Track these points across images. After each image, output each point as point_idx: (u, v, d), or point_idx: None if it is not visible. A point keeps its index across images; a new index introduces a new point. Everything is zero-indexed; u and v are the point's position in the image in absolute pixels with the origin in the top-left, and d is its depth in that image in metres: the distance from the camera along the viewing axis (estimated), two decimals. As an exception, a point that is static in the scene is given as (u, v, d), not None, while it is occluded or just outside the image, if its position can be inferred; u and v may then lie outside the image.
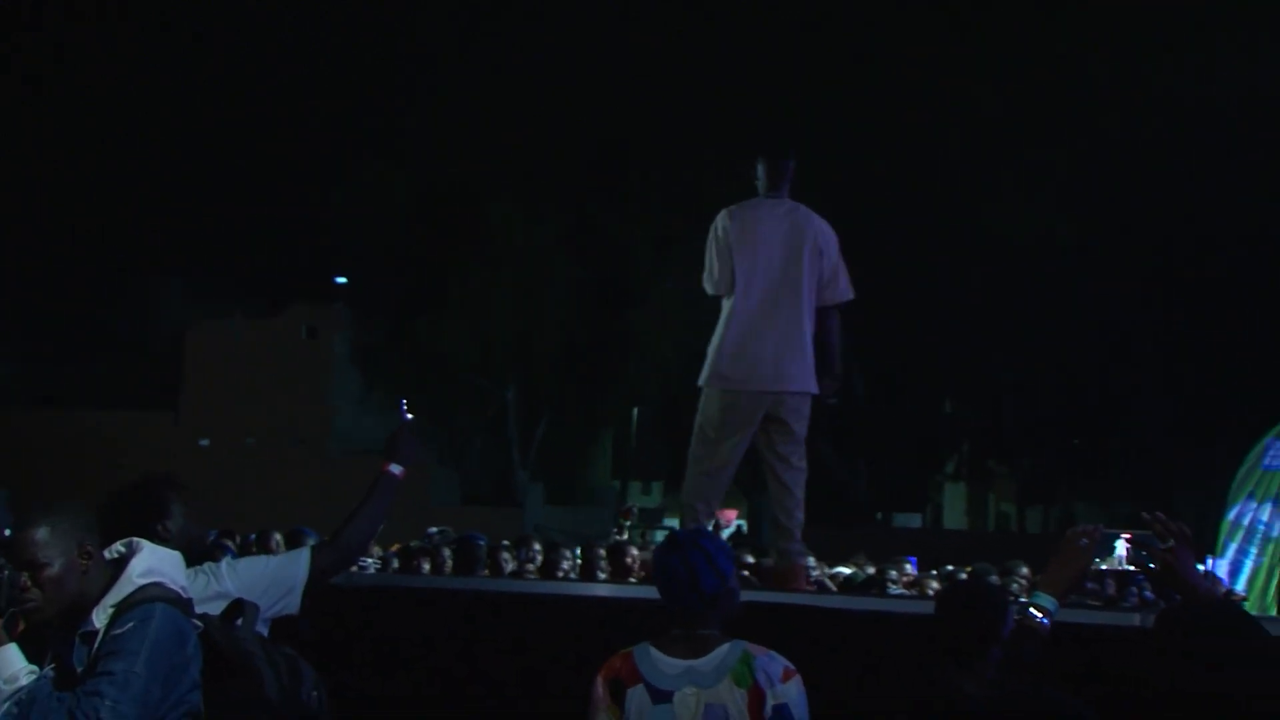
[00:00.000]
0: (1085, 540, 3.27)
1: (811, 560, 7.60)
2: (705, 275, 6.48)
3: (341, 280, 37.29)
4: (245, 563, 3.78)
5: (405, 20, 31.38)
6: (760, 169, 6.37)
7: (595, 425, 37.94)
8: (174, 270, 39.01)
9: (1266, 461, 14.79)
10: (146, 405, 36.08)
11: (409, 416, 4.10)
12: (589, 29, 30.06)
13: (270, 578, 3.70)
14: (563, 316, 31.94)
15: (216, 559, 3.80)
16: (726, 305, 6.33)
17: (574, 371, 33.02)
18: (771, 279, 6.19)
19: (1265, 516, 14.41)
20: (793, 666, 3.25)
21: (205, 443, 35.22)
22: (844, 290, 6.29)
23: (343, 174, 31.94)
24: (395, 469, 3.94)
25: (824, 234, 6.24)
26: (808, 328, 6.17)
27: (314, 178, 32.43)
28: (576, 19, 29.92)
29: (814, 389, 6.23)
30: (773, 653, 3.25)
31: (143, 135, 35.68)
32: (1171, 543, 3.17)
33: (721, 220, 6.33)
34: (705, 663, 3.21)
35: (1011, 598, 3.29)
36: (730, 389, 6.24)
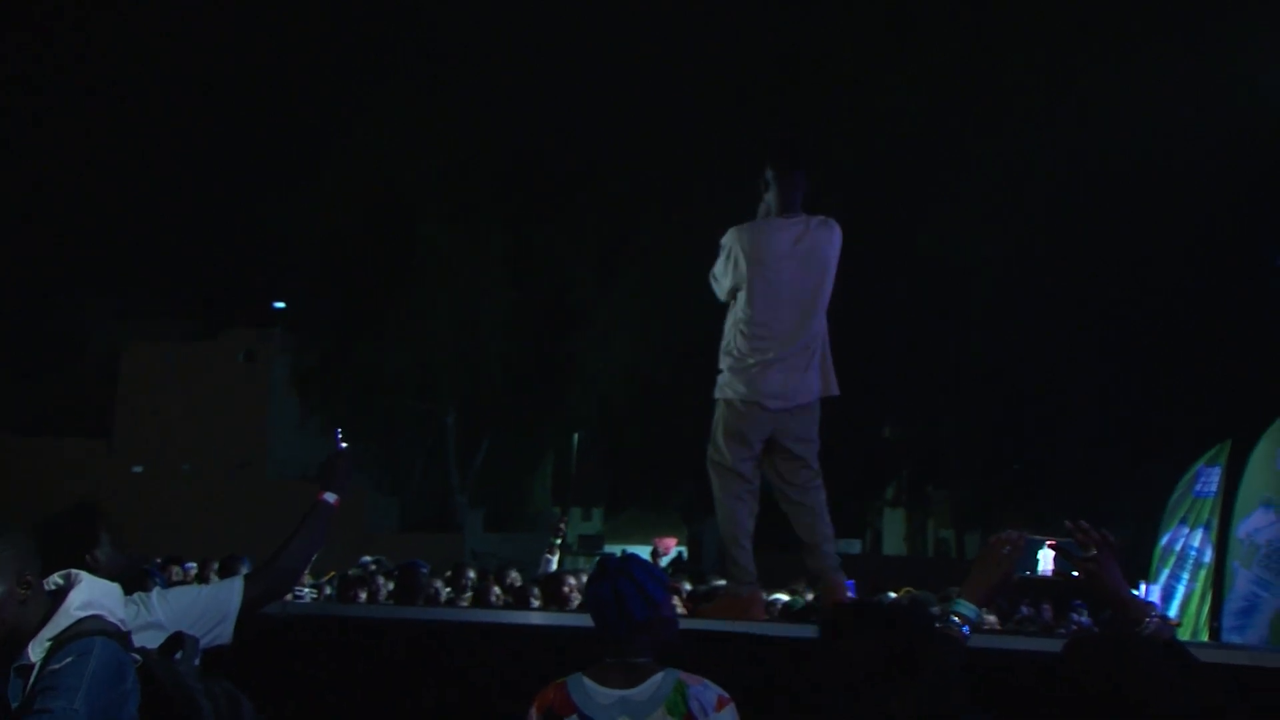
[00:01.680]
0: (1008, 548, 3.25)
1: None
2: (712, 279, 6.36)
3: (280, 305, 36.98)
4: (175, 592, 3.73)
5: (343, 42, 31.32)
6: (770, 180, 6.13)
7: (536, 450, 37.85)
8: (107, 292, 38.56)
9: (1198, 488, 15.01)
10: (79, 431, 35.53)
11: (344, 445, 4.08)
12: (529, 52, 30.15)
13: (202, 607, 3.65)
14: (503, 340, 31.86)
15: (147, 589, 3.75)
16: (734, 316, 6.20)
17: (514, 396, 32.93)
18: (790, 298, 6.07)
19: (1196, 542, 14.61)
20: (726, 695, 3.24)
21: (139, 469, 34.72)
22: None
23: (281, 197, 31.73)
24: (330, 497, 3.91)
25: (837, 246, 6.11)
26: (818, 347, 6.09)
27: (252, 201, 32.20)
28: (517, 42, 30.01)
29: (824, 394, 6.14)
30: (706, 681, 3.24)
31: (76, 155, 35.31)
32: (1094, 551, 3.16)
33: (730, 237, 6.17)
34: (639, 692, 3.20)
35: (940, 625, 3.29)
36: (745, 400, 6.13)
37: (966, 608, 3.21)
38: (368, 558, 12.44)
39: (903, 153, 27.68)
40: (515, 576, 9.18)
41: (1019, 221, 27.56)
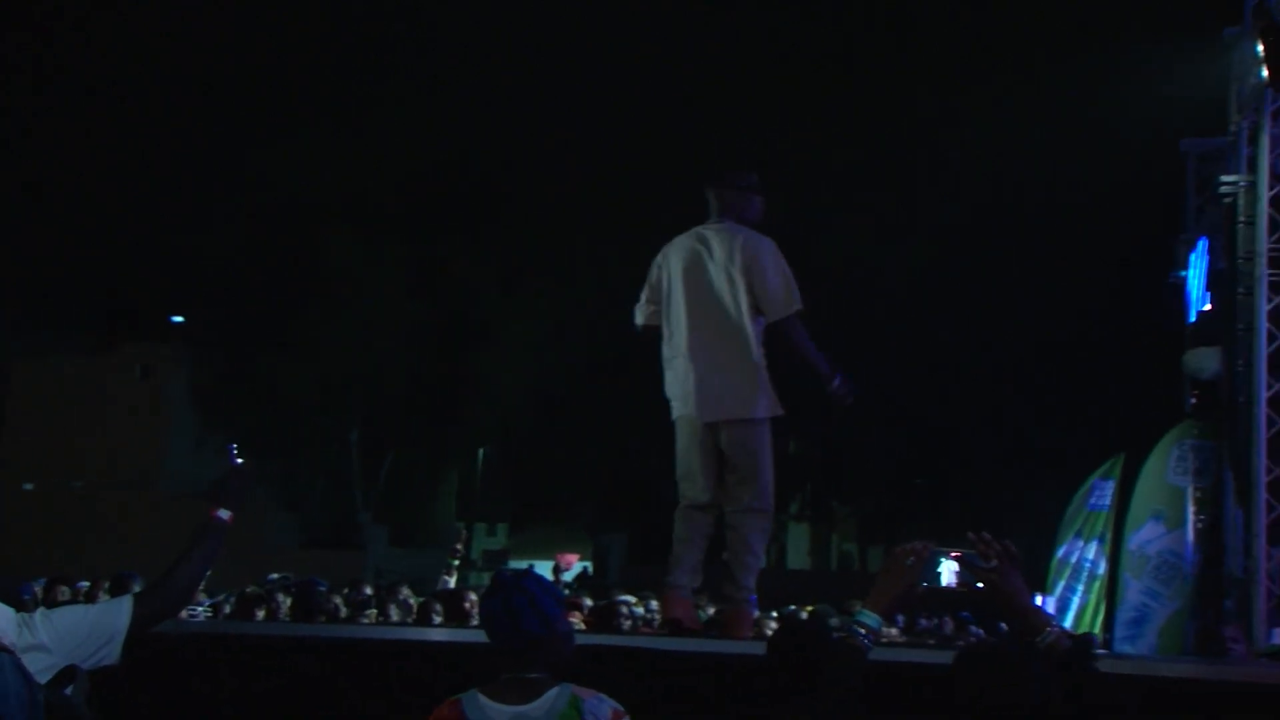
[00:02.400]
0: (912, 559, 3.26)
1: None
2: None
3: (178, 319, 36.33)
4: (60, 613, 3.63)
5: (245, 55, 30.88)
6: (708, 196, 6.26)
7: (440, 465, 37.58)
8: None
9: (1091, 502, 15.34)
10: (-34, 447, 34.58)
11: (238, 460, 4.01)
12: (435, 67, 30.02)
13: (88, 627, 3.56)
14: (407, 355, 31.59)
15: (30, 609, 3.65)
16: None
17: (419, 411, 32.66)
18: (691, 308, 6.08)
19: (1091, 555, 14.93)
20: (621, 708, 3.23)
21: (30, 486, 33.88)
22: (787, 304, 6.03)
23: (180, 209, 31.23)
24: (223, 514, 3.84)
25: (749, 250, 6.03)
26: (741, 353, 5.99)
27: (149, 212, 31.61)
28: (422, 57, 29.87)
29: (755, 415, 5.98)
30: (601, 695, 3.23)
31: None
32: (995, 563, 3.18)
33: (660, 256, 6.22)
34: (534, 708, 3.17)
35: (843, 635, 3.30)
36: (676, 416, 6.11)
37: (869, 618, 3.22)
38: (274, 575, 12.27)
39: (807, 173, 27.99)
40: (407, 593, 9.09)
41: (921, 243, 28.02)
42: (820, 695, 3.20)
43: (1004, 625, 11.11)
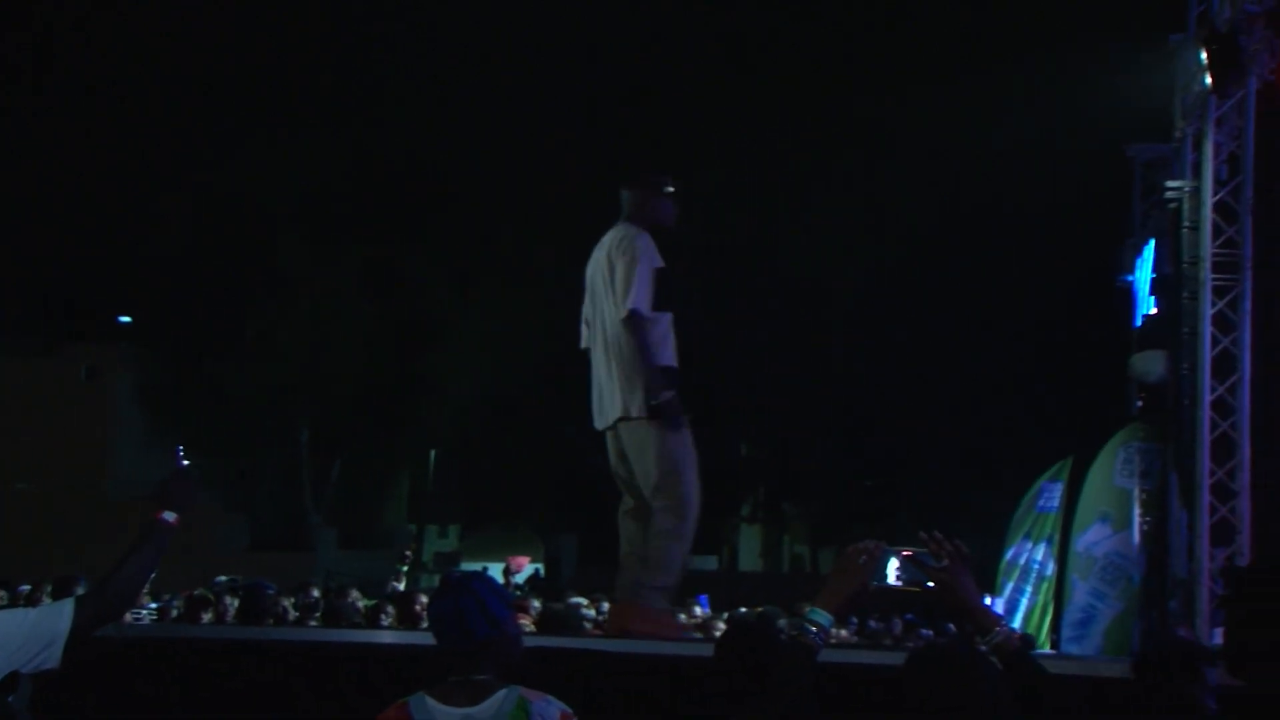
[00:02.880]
0: (864, 558, 3.25)
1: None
2: None
3: (125, 319, 35.93)
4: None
5: (197, 55, 30.58)
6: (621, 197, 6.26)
7: (391, 467, 37.38)
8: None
9: (1040, 504, 15.49)
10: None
11: (185, 463, 3.97)
12: (388, 67, 29.87)
13: (28, 630, 3.51)
14: (358, 356, 31.38)
15: (-44, 612, 3.61)
16: None
17: (369, 412, 32.47)
18: (592, 319, 6.16)
19: (1039, 556, 15.07)
20: (570, 710, 3.23)
21: (-27, 488, 33.39)
22: (626, 301, 5.92)
23: (127, 207, 30.89)
24: (169, 516, 3.80)
25: (620, 249, 6.01)
26: (621, 355, 5.97)
27: (95, 210, 31.23)
28: (375, 58, 29.70)
29: (632, 413, 5.94)
30: (549, 697, 3.22)
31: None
32: (946, 562, 3.20)
33: None
34: (482, 710, 3.16)
35: (794, 634, 3.31)
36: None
37: (822, 616, 3.22)
38: (223, 577, 12.17)
39: (763, 176, 28.09)
40: (356, 595, 9.04)
41: (872, 247, 28.20)
42: (771, 696, 3.20)
43: (952, 626, 11.23)
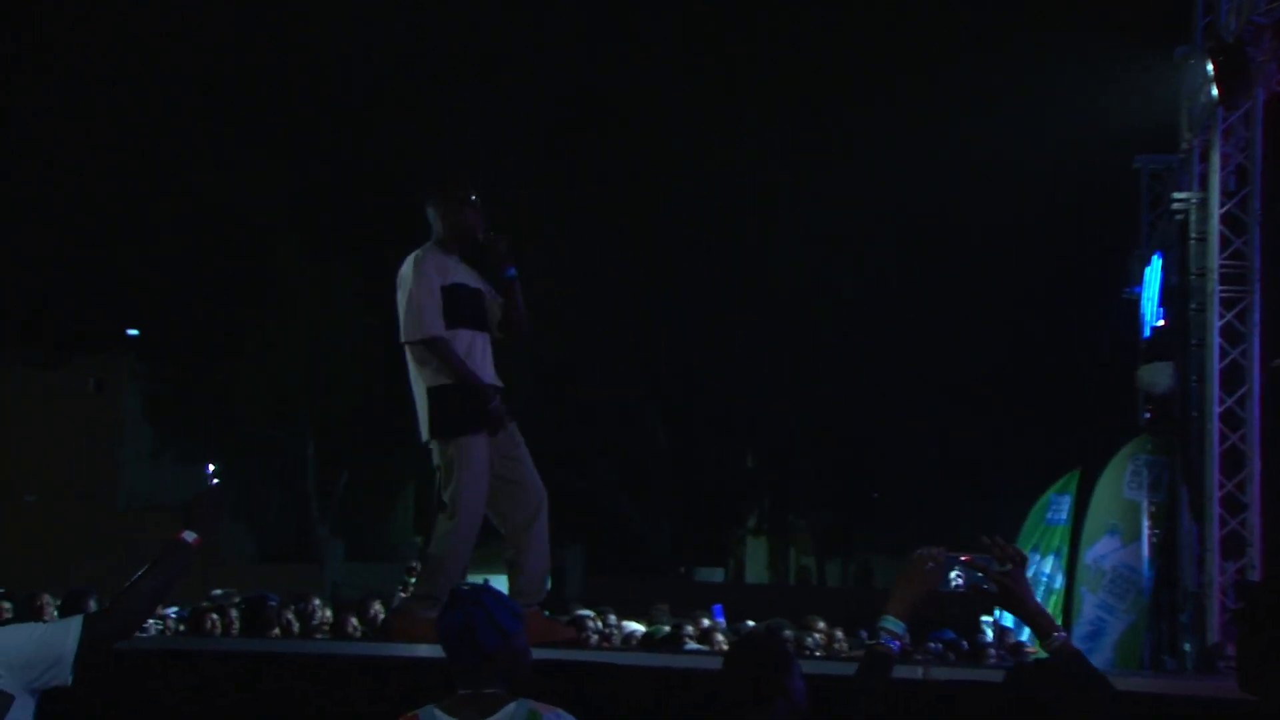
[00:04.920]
0: (931, 564, 3.33)
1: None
2: None
3: (133, 332, 35.99)
4: (5, 631, 3.58)
5: (192, 63, 30.60)
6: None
7: (397, 479, 37.33)
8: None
9: (1049, 516, 15.45)
10: (-85, 461, 34.07)
11: (215, 482, 3.97)
12: (379, 75, 29.89)
13: (35, 647, 3.51)
14: (361, 367, 31.37)
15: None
16: None
17: (375, 424, 32.45)
18: None
19: (1048, 569, 15.03)
20: (580, 723, 3.23)
21: (-19, 500, 33.45)
22: (405, 332, 6.09)
23: (132, 221, 30.95)
24: (189, 536, 3.79)
25: (399, 279, 6.17)
26: (413, 379, 6.15)
27: (101, 225, 31.27)
28: (367, 66, 29.72)
29: (423, 437, 6.12)
30: (560, 710, 3.22)
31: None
32: (1009, 566, 3.25)
33: None
34: (492, 724, 3.16)
35: (805, 650, 3.32)
36: None
37: (894, 623, 3.32)
38: (218, 590, 12.17)
39: (758, 188, 28.03)
40: (378, 608, 9.05)
41: (880, 260, 28.18)
42: (774, 711, 3.21)
43: (987, 636, 11.25)
